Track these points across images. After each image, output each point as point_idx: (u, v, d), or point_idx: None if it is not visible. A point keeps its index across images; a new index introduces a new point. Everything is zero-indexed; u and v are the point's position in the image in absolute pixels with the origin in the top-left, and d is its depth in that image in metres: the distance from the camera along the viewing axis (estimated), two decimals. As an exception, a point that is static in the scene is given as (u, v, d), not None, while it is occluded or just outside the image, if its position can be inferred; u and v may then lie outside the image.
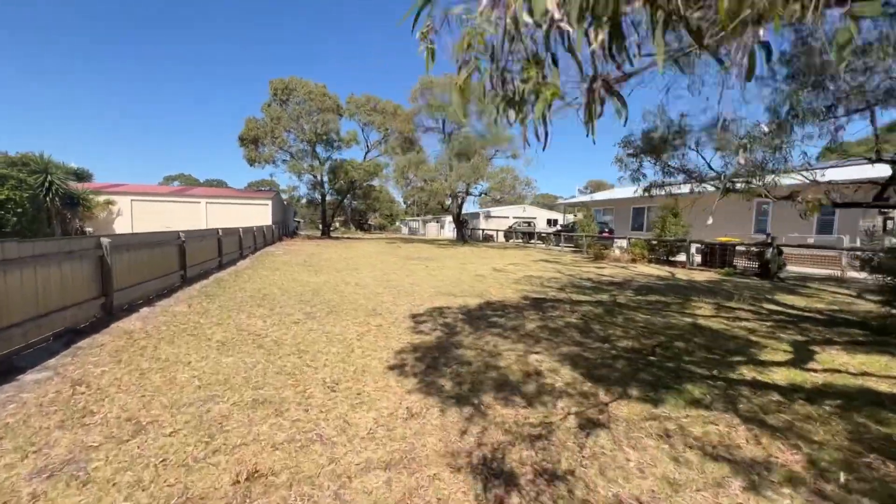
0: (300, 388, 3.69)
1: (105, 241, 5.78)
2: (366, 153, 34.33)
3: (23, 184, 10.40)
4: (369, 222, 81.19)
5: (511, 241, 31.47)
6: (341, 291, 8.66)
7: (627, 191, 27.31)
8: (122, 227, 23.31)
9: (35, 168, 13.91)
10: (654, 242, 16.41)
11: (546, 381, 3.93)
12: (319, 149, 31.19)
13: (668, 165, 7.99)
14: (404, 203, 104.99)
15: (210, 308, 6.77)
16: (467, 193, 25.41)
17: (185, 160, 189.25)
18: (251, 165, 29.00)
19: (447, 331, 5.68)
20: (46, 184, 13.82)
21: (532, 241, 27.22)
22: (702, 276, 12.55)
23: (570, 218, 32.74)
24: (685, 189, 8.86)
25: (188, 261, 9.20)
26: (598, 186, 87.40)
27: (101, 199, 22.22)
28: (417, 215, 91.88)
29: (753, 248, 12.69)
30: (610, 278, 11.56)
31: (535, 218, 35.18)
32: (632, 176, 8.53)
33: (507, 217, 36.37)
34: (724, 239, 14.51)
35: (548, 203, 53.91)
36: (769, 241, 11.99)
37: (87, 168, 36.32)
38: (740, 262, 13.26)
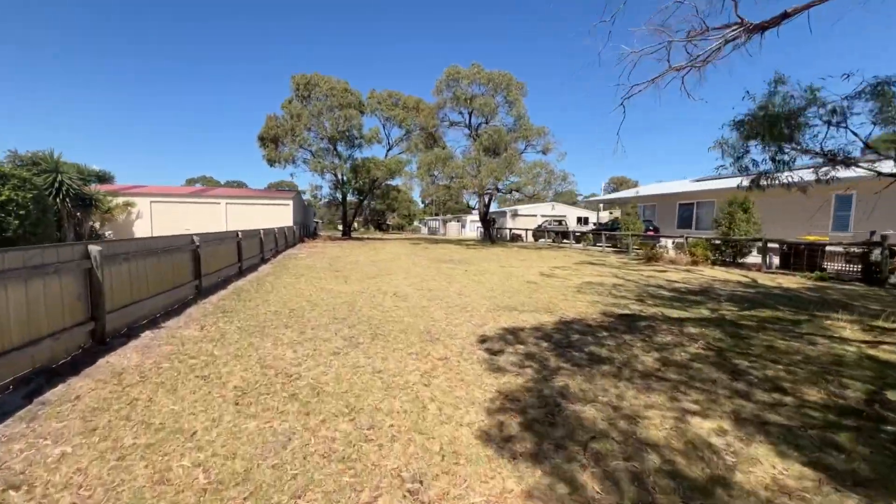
0: (364, 495, 2.27)
1: (94, 249, 4.51)
2: (387, 150, 33.14)
3: (27, 183, 9.36)
4: (387, 222, 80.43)
5: (540, 240, 29.77)
6: (381, 305, 7.29)
7: (672, 185, 25.22)
8: (141, 229, 22.66)
9: (46, 168, 13.11)
10: (718, 242, 14.55)
11: (752, 481, 2.41)
12: (341, 147, 30.13)
13: (795, 146, 6.29)
14: (422, 202, 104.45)
15: (227, 331, 5.46)
16: (497, 190, 23.84)
17: (206, 163, 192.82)
18: (271, 166, 28.12)
19: (538, 368, 4.20)
20: (56, 184, 12.98)
21: (565, 241, 25.47)
22: (789, 281, 10.72)
23: (605, 216, 30.83)
24: (807, 177, 7.12)
25: (203, 269, 7.98)
26: (620, 183, 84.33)
27: (120, 200, 21.56)
28: (436, 215, 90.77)
29: (854, 249, 10.78)
30: (684, 285, 9.88)
31: (564, 216, 33.29)
32: (736, 163, 6.86)
33: (535, 216, 34.59)
34: (811, 238, 12.59)
35: (566, 201, 51.64)
36: (878, 239, 10.08)
37: (109, 171, 36.30)
38: (833, 265, 11.36)
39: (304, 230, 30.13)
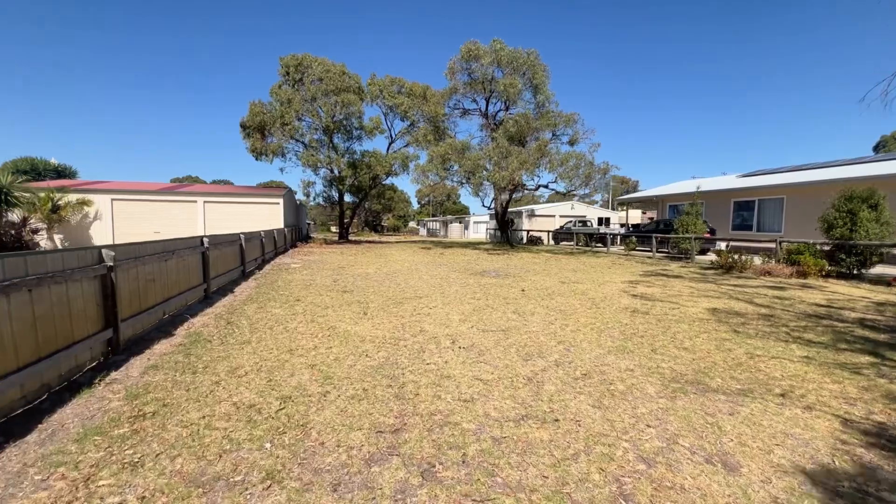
0: None
1: None
2: (389, 144, 29.74)
3: None
4: (382, 224, 76.88)
5: (563, 243, 26.63)
6: (444, 374, 3.98)
7: (724, 180, 22.02)
8: (100, 232, 18.94)
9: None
10: (829, 247, 11.48)
11: None
12: (337, 139, 26.66)
13: None
14: (419, 203, 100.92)
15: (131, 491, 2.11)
16: (521, 186, 20.57)
17: (193, 163, 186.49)
18: (257, 159, 24.52)
19: None
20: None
21: (598, 246, 22.32)
22: None
23: (637, 216, 27.80)
24: None
25: (126, 306, 4.60)
26: (620, 182, 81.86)
27: (73, 198, 17.83)
28: (433, 215, 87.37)
29: None
30: (850, 311, 6.70)
31: (584, 216, 30.25)
32: None
33: (554, 216, 31.42)
34: None
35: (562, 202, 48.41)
36: None
37: (70, 165, 32.29)
38: None
39: (297, 233, 26.58)
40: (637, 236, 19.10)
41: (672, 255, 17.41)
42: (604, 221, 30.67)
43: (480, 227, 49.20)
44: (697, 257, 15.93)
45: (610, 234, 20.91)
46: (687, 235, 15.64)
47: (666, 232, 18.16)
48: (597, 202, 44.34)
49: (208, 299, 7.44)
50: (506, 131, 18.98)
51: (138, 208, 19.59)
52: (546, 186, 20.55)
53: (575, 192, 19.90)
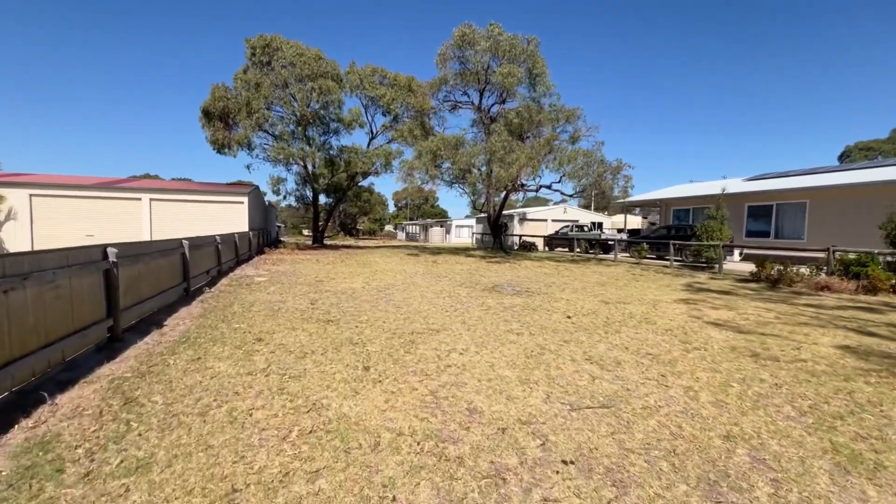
0: None
1: None
2: (370, 139, 27.15)
3: None
4: (358, 227, 73.54)
5: (557, 249, 24.81)
6: None
7: (731, 183, 20.58)
8: (15, 236, 15.42)
9: None
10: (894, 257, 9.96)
11: None
12: (312, 132, 23.85)
13: None
14: (395, 205, 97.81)
15: None
16: (516, 187, 18.50)
17: (154, 161, 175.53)
18: (219, 151, 21.34)
19: None
20: None
21: (604, 254, 20.58)
22: None
23: (638, 221, 26.38)
24: None
25: None
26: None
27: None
28: (411, 219, 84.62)
29: None
30: None
31: (577, 220, 28.65)
32: None
33: (546, 220, 29.61)
34: None
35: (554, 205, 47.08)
36: None
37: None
38: None
39: (265, 237, 23.53)
40: (648, 243, 17.36)
41: (688, 263, 15.79)
42: (596, 226, 29.17)
43: (463, 230, 47.11)
44: (727, 265, 14.31)
45: (617, 241, 19.13)
46: (713, 243, 13.98)
47: (681, 238, 16.53)
48: (589, 206, 43.12)
49: (114, 344, 4.81)
50: (507, 123, 16.88)
51: (66, 206, 16.14)
52: (549, 187, 18.60)
53: (580, 194, 18.01)
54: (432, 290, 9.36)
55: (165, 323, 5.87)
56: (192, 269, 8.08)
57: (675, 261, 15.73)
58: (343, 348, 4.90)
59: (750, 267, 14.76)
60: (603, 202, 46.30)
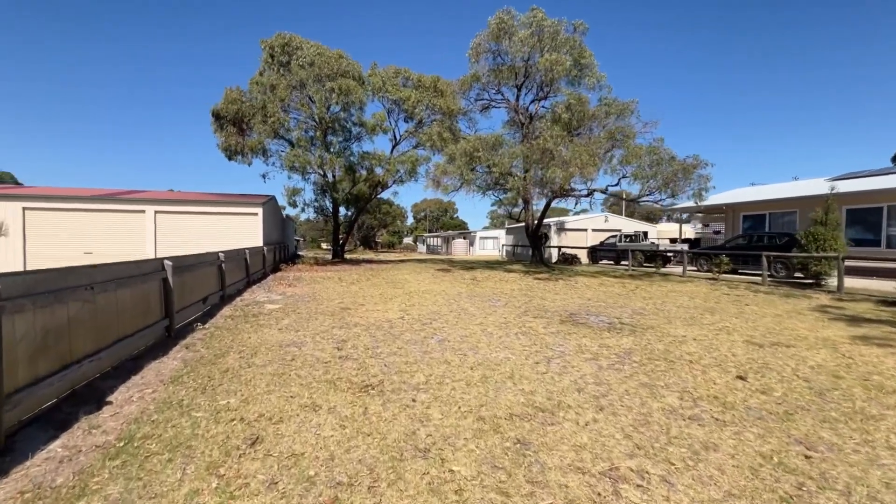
0: None
1: None
2: (393, 147, 25.24)
3: None
4: (377, 239, 71.96)
5: (602, 261, 22.19)
6: None
7: (811, 185, 17.57)
8: (6, 255, 13.83)
9: None
10: None
11: None
12: (332, 137, 22.07)
13: None
14: (414, 218, 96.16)
15: None
16: (563, 193, 16.07)
17: (171, 176, 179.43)
18: (230, 158, 19.71)
19: None
20: None
21: (658, 264, 17.89)
22: None
23: (688, 229, 23.53)
24: None
25: None
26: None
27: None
28: (430, 230, 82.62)
29: None
30: None
31: (621, 230, 25.97)
32: None
33: (586, 230, 27.00)
34: None
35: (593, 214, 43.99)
36: None
37: (11, 172, 27.28)
38: None
39: (283, 252, 21.68)
40: (735, 256, 14.56)
41: (781, 278, 13.07)
42: (642, 235, 26.41)
43: (488, 242, 44.72)
44: (831, 282, 11.51)
45: (684, 253, 16.44)
46: (829, 254, 11.23)
47: (765, 248, 13.79)
48: (621, 213, 40.21)
49: (54, 431, 2.61)
50: (556, 119, 14.61)
51: (64, 219, 14.53)
52: (604, 191, 16.13)
53: (648, 199, 15.46)
54: (494, 323, 7.02)
55: (110, 398, 3.68)
56: (177, 300, 5.95)
57: (768, 276, 12.97)
58: (405, 465, 2.60)
59: (863, 283, 11.95)
60: (632, 209, 43.24)
